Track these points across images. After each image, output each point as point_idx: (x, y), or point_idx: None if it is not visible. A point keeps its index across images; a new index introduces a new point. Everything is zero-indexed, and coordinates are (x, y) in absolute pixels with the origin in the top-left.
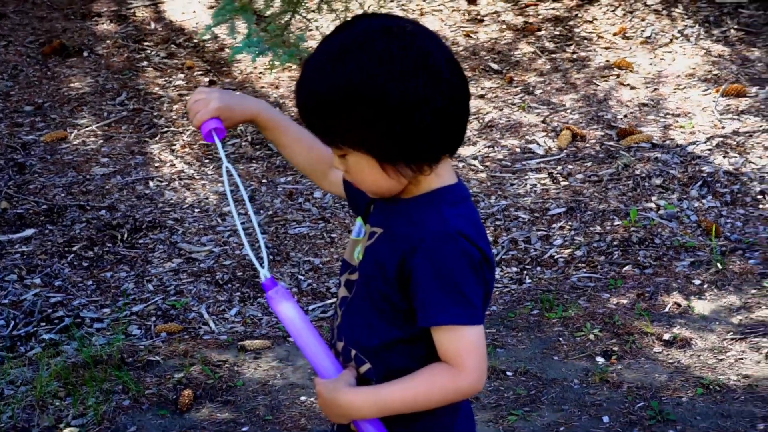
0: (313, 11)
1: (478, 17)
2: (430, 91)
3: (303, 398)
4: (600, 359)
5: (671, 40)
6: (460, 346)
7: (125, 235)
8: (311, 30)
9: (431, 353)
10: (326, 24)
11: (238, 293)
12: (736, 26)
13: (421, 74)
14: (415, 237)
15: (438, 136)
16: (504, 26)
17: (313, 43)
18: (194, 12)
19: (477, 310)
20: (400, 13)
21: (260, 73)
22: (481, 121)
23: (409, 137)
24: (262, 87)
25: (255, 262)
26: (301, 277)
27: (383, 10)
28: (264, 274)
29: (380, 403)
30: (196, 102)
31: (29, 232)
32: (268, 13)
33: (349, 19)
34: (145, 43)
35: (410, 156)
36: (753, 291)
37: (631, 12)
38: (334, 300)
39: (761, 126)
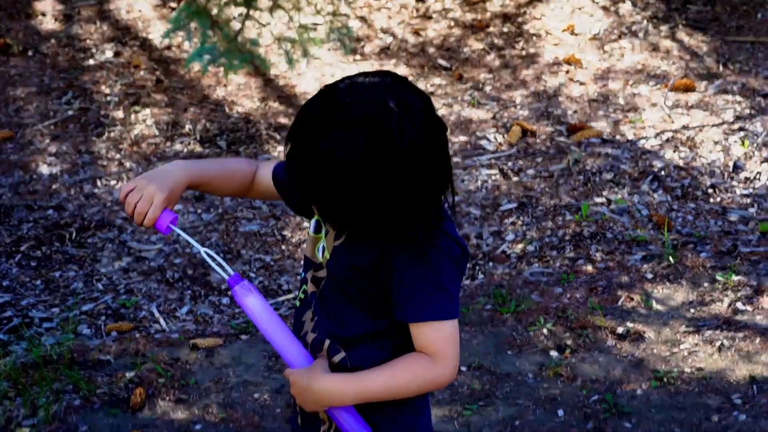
0: (269, 9)
1: (427, 14)
2: (437, 165)
3: (257, 395)
4: (554, 353)
5: (619, 36)
6: (439, 338)
7: (73, 235)
8: (262, 36)
9: (406, 344)
10: (277, 25)
11: (189, 291)
12: (684, 22)
13: (431, 151)
14: (396, 235)
15: (431, 203)
16: (453, 23)
17: (264, 46)
18: (140, 11)
19: (455, 302)
20: (348, 11)
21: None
22: None
23: (411, 211)
24: (210, 85)
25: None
26: (252, 274)
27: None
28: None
29: (361, 388)
30: (139, 203)
31: None
32: (223, 17)
33: (343, 77)
34: (91, 42)
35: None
36: (705, 284)
37: (579, 8)
38: (286, 297)
39: (710, 121)
